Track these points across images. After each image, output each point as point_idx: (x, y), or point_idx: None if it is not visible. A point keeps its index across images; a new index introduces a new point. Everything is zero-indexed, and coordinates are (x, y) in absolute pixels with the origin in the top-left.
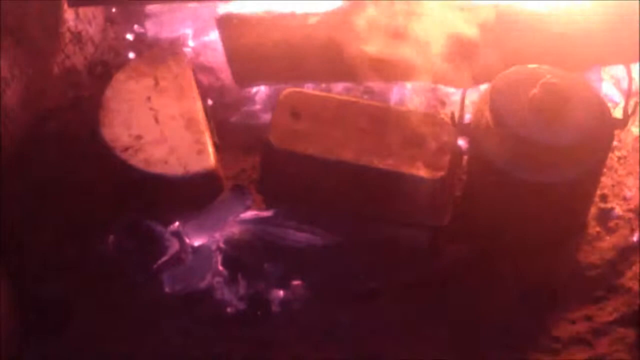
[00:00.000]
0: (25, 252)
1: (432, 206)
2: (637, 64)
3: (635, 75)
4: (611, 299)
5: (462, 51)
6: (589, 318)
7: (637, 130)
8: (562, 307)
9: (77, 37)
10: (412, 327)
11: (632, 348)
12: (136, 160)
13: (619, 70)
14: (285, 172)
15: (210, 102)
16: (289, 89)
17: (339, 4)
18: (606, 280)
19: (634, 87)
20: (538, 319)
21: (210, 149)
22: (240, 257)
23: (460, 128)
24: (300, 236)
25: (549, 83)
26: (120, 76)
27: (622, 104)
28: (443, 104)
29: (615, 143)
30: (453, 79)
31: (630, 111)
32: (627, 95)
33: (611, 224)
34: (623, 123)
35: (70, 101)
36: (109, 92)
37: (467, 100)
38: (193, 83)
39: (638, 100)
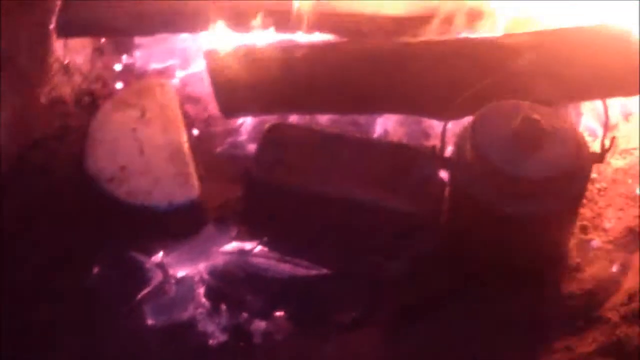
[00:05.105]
0: (8, 281)
1: (415, 237)
2: (613, 99)
3: (612, 110)
4: (591, 330)
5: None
6: (569, 348)
7: (617, 162)
8: (542, 337)
9: (65, 68)
10: (396, 357)
11: None
12: (121, 191)
13: (600, 104)
14: (269, 203)
15: (196, 132)
16: (273, 121)
17: (323, 37)
18: (586, 311)
19: (611, 121)
20: (519, 349)
21: (195, 180)
22: (223, 288)
23: (441, 161)
24: (283, 267)
25: (529, 117)
26: (106, 107)
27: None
28: (427, 135)
29: (595, 175)
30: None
31: (607, 145)
32: (605, 129)
33: (591, 255)
34: (600, 157)
35: (57, 131)
36: (95, 123)
37: (449, 132)
38: (179, 114)
39: (615, 135)
